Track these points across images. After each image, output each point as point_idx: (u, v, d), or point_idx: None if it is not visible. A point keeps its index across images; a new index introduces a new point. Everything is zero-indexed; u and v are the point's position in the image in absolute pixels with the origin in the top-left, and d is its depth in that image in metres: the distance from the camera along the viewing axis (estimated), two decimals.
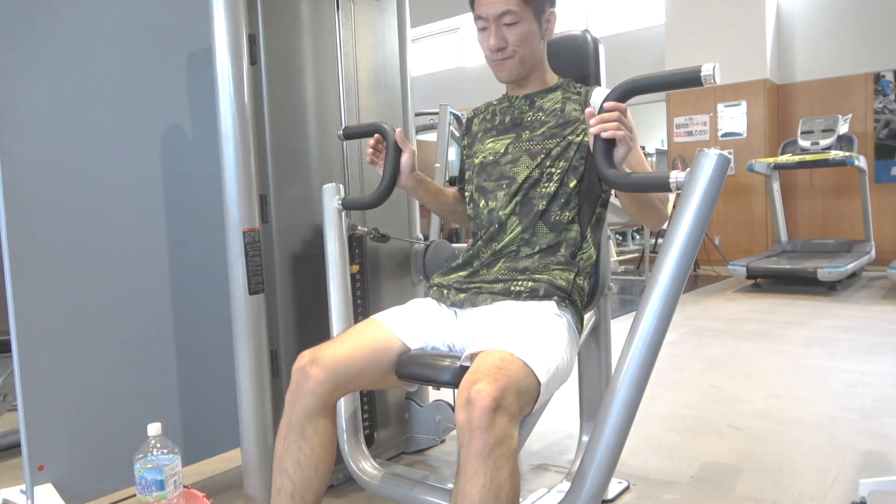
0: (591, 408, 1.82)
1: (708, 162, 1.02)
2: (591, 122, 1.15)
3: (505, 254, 1.43)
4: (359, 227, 1.77)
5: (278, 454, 1.27)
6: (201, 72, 1.79)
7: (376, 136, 1.54)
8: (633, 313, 1.06)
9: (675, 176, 1.05)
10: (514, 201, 1.41)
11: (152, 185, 1.73)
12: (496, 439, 1.00)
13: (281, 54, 1.70)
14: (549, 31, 1.46)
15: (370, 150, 1.55)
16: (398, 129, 1.53)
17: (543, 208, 1.40)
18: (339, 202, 1.63)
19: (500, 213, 1.42)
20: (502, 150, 1.47)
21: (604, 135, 1.13)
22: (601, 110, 1.15)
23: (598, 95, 1.44)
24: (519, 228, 1.41)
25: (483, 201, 1.47)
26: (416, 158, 1.54)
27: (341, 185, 1.66)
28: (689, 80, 1.05)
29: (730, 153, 6.93)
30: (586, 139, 1.38)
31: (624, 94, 1.14)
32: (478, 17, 1.41)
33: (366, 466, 1.48)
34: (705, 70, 1.02)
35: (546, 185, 1.40)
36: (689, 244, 1.03)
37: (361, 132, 1.65)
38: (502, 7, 1.36)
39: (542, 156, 1.40)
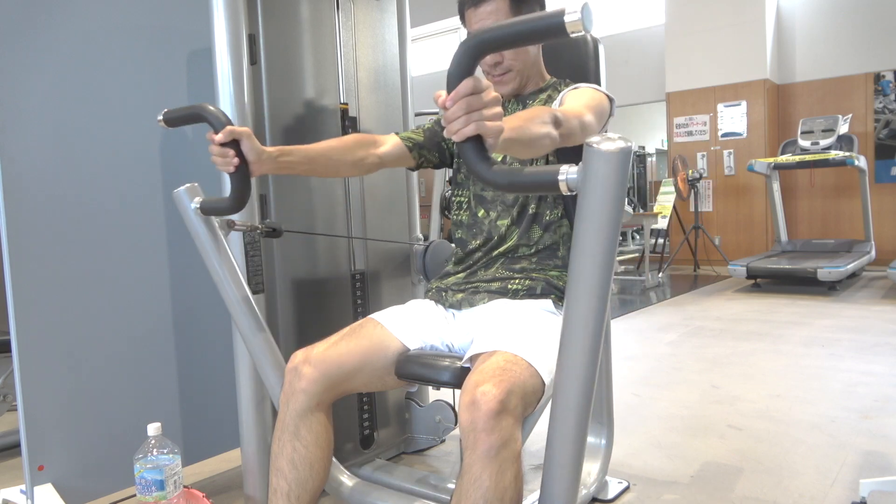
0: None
1: (599, 160, 0.81)
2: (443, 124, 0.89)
3: (504, 254, 1.44)
4: (237, 223, 1.44)
5: (273, 454, 1.27)
6: (201, 72, 1.79)
7: (215, 135, 1.19)
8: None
9: (567, 173, 0.84)
10: (513, 211, 1.42)
11: (152, 186, 1.73)
12: (501, 442, 0.99)
13: (281, 54, 1.70)
14: None
15: (216, 156, 1.21)
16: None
17: (534, 211, 1.42)
18: (199, 204, 1.33)
19: (500, 223, 1.43)
20: (499, 159, 1.47)
21: (455, 139, 0.87)
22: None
23: (567, 90, 1.38)
24: (517, 235, 1.42)
25: (483, 211, 1.48)
26: (253, 138, 1.21)
27: (197, 185, 1.35)
28: (549, 28, 0.76)
29: (729, 153, 6.94)
30: None
31: (466, 58, 0.84)
32: None
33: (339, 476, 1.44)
34: (570, 15, 0.74)
35: None
36: (602, 252, 0.86)
37: (184, 116, 1.30)
38: (494, 24, 1.35)
39: (534, 160, 1.41)
